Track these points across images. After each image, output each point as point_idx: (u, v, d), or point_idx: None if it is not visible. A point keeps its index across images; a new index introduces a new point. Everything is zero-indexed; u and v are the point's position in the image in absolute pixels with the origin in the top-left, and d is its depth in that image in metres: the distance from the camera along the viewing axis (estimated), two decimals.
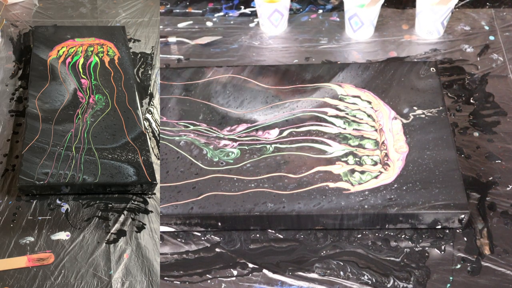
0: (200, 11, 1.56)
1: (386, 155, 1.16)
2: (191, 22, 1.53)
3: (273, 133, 1.21)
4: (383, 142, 1.18)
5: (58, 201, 1.20)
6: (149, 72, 1.48)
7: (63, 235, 1.15)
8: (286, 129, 1.21)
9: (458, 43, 1.43)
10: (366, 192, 1.11)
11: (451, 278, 1.06)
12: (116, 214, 1.19)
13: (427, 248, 1.09)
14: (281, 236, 1.12)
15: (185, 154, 1.19)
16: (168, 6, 1.59)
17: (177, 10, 1.57)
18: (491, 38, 1.44)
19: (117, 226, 1.17)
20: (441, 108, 1.22)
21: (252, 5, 1.55)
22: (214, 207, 1.11)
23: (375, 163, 1.15)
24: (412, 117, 1.21)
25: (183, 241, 1.13)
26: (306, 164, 1.16)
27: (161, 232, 1.14)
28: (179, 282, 1.08)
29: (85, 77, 1.40)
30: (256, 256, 1.10)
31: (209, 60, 1.44)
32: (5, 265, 1.10)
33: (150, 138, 1.32)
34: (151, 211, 1.21)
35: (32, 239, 1.14)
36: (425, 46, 1.43)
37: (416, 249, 1.09)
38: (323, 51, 1.44)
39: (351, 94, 1.26)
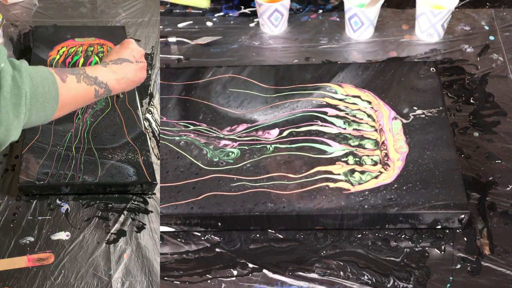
0: (200, 11, 1.56)
1: (386, 155, 1.16)
2: (191, 22, 1.53)
3: (273, 133, 1.21)
4: (383, 142, 1.18)
5: (58, 201, 1.20)
6: (149, 72, 1.48)
7: (63, 235, 1.15)
8: (286, 129, 1.21)
9: (458, 43, 1.43)
10: (366, 192, 1.11)
11: (451, 278, 1.06)
12: (116, 214, 1.19)
13: (427, 248, 1.09)
14: (281, 236, 1.12)
15: (185, 154, 1.19)
16: (168, 6, 1.59)
17: (177, 10, 1.57)
18: (491, 38, 1.44)
19: (117, 226, 1.17)
20: (441, 108, 1.22)
21: (252, 5, 1.55)
22: (214, 207, 1.11)
23: (375, 163, 1.15)
24: (412, 117, 1.21)
25: (183, 241, 1.13)
26: (306, 164, 1.16)
27: (161, 232, 1.14)
28: (179, 282, 1.08)
29: None
30: (256, 256, 1.10)
31: (209, 60, 1.44)
32: (5, 265, 1.10)
33: (150, 138, 1.32)
34: (151, 211, 1.21)
35: (32, 239, 1.14)
36: (425, 46, 1.43)
37: (416, 249, 1.09)
38: (323, 51, 1.44)
39: (351, 94, 1.26)
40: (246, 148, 1.19)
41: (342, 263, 1.08)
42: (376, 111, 1.23)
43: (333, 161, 1.16)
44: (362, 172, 1.14)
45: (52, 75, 0.94)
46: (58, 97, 0.95)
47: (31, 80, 0.89)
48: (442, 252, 1.09)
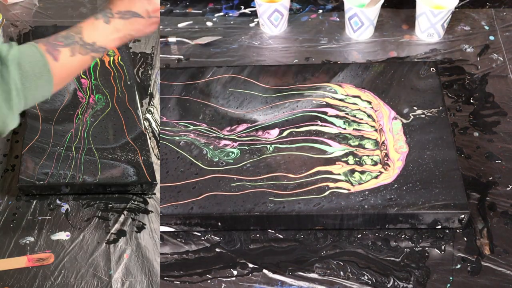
0: (200, 11, 1.56)
1: (386, 155, 1.16)
2: (191, 22, 1.53)
3: (273, 133, 1.21)
4: (383, 142, 1.18)
5: (58, 201, 1.20)
6: (149, 72, 1.48)
7: (63, 235, 1.15)
8: (286, 129, 1.21)
9: (458, 43, 1.43)
10: (366, 192, 1.11)
11: (451, 278, 1.06)
12: (116, 214, 1.19)
13: (427, 248, 1.09)
14: (281, 236, 1.12)
15: (185, 154, 1.19)
16: (168, 6, 1.59)
17: (177, 10, 1.57)
18: (491, 38, 1.44)
19: (117, 226, 1.17)
20: (441, 108, 1.22)
21: (252, 5, 1.55)
22: (214, 207, 1.11)
23: (375, 163, 1.15)
24: (412, 117, 1.21)
25: (183, 241, 1.13)
26: (306, 164, 1.15)
27: (161, 232, 1.14)
28: (179, 282, 1.08)
29: (85, 77, 1.40)
30: (256, 256, 1.10)
31: (209, 60, 1.44)
32: (5, 265, 1.10)
33: (150, 138, 1.32)
34: (151, 211, 1.21)
35: (32, 239, 1.14)
36: (425, 46, 1.43)
37: (416, 249, 1.09)
38: (323, 51, 1.44)
39: (351, 94, 1.26)
40: (246, 148, 1.19)
41: (342, 263, 1.08)
42: (376, 111, 1.23)
43: (333, 161, 1.16)
44: (362, 172, 1.14)
45: (43, 56, 0.93)
46: (52, 78, 0.93)
47: (20, 70, 0.89)
48: (442, 252, 1.09)
